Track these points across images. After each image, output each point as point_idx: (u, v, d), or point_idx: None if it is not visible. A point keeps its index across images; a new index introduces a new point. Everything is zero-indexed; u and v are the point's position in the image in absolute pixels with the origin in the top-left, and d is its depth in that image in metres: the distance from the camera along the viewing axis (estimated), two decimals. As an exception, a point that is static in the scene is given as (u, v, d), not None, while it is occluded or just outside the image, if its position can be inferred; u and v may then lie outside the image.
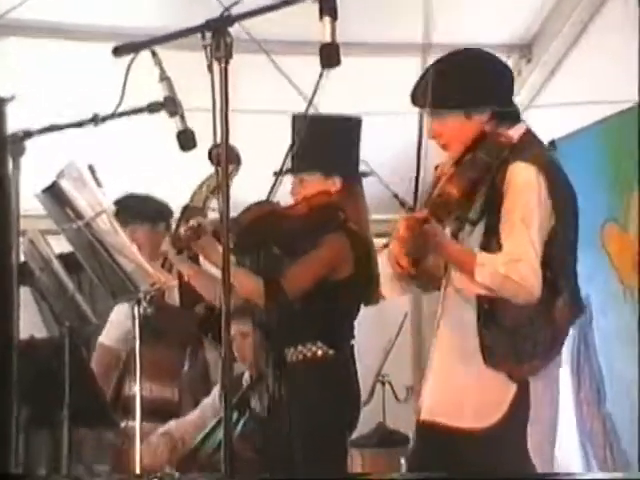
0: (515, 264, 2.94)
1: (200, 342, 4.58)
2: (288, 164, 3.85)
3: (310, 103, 3.61)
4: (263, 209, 3.79)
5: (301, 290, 3.72)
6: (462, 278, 3.08)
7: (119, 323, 4.44)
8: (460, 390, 3.08)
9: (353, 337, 3.91)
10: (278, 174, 3.79)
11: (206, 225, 3.70)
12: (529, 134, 3.19)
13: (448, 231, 3.10)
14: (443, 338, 3.19)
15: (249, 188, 3.66)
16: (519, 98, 5.59)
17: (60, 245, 3.66)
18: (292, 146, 3.85)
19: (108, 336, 4.58)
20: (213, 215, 3.78)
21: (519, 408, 3.01)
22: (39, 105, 4.33)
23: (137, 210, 4.57)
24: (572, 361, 5.24)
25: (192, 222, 3.72)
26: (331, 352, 3.79)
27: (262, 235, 3.80)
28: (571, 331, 5.06)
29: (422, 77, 3.21)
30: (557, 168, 3.13)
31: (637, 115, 4.68)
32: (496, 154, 3.04)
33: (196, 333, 4.45)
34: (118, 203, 4.38)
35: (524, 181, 3.01)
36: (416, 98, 3.20)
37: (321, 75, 3.25)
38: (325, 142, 3.84)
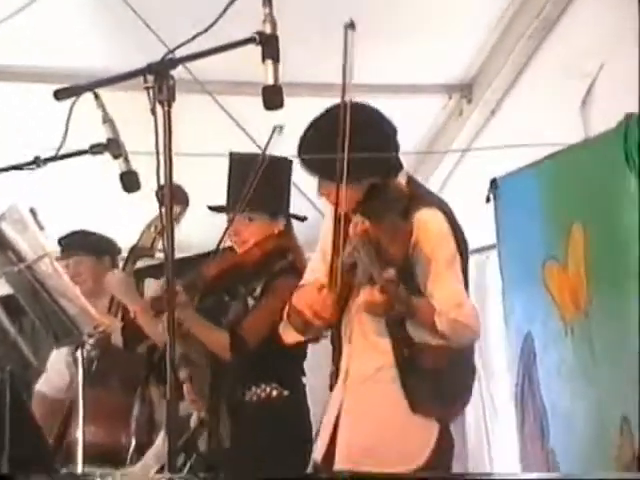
0: (461, 307, 2.99)
1: (146, 383, 4.54)
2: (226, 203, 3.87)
3: (264, 152, 3.63)
4: (227, 259, 3.79)
5: (260, 338, 3.75)
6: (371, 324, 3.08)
7: (59, 371, 4.39)
8: (383, 436, 3.09)
9: (304, 375, 3.94)
10: (231, 219, 3.79)
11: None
12: (414, 180, 3.26)
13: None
14: (353, 385, 3.19)
15: (194, 229, 3.66)
16: (460, 137, 5.69)
17: (0, 288, 3.62)
18: (233, 185, 3.85)
19: (47, 384, 4.52)
20: (160, 255, 3.77)
21: (443, 446, 3.04)
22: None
23: (82, 242, 4.55)
24: (516, 397, 5.28)
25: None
26: (285, 392, 3.81)
27: (225, 285, 3.82)
28: (516, 368, 5.19)
29: (302, 142, 3.23)
30: (449, 207, 3.20)
31: (575, 154, 4.76)
32: (399, 204, 3.06)
33: (141, 374, 4.41)
34: (63, 237, 4.35)
35: (436, 226, 3.07)
36: (304, 165, 3.22)
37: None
38: (269, 182, 3.83)
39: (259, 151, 3.90)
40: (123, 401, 4.50)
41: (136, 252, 3.80)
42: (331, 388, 3.27)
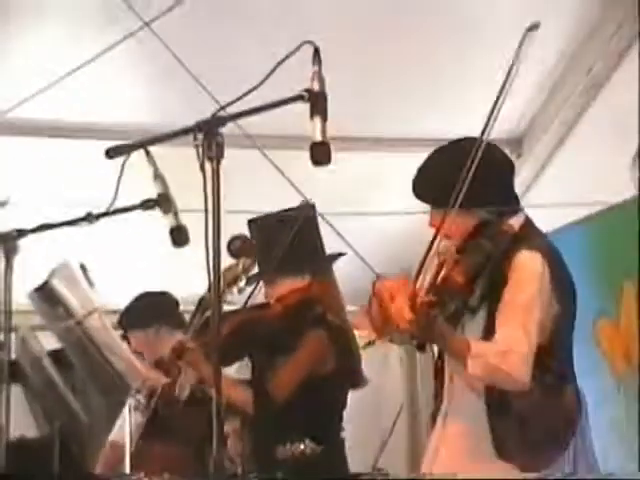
0: (505, 356, 2.93)
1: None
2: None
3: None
4: (239, 317, 3.80)
5: (288, 395, 3.73)
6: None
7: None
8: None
9: (342, 430, 3.89)
10: (241, 290, 3.82)
11: (186, 343, 3.72)
12: (529, 223, 3.21)
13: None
14: (451, 428, 3.15)
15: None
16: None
17: (51, 342, 3.65)
18: (257, 252, 3.87)
19: (117, 433, 4.54)
20: (228, 307, 3.79)
21: None
22: (34, 204, 4.36)
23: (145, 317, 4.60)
24: (568, 456, 5.20)
25: (173, 343, 3.74)
26: (319, 448, 3.77)
27: (242, 342, 3.81)
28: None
29: (420, 170, 3.22)
30: (558, 255, 3.15)
31: (625, 211, 4.73)
32: (499, 242, 3.05)
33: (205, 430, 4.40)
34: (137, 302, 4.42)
35: (530, 269, 3.02)
36: (416, 193, 3.22)
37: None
38: (282, 243, 3.82)
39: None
40: (187, 454, 4.49)
41: (204, 303, 3.81)
42: (432, 426, 3.23)
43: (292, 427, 3.78)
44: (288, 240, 3.82)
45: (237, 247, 3.83)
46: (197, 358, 3.71)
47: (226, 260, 2.95)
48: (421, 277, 3.00)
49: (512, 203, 3.22)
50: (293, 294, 3.86)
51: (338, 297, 3.97)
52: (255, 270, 3.92)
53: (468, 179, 3.04)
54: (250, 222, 3.94)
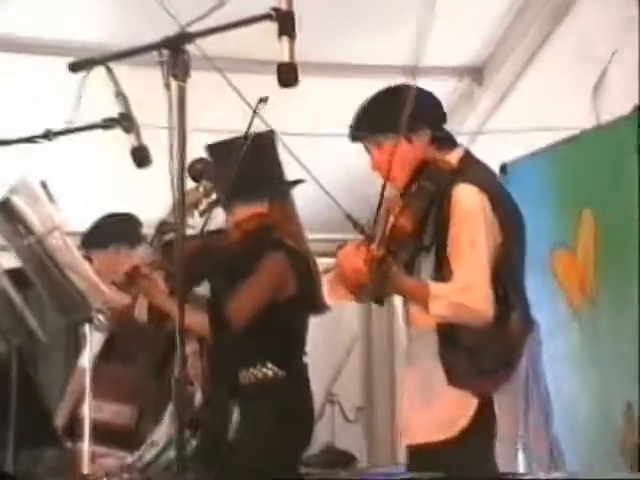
0: (467, 292, 2.99)
1: (167, 360, 4.52)
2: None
3: (246, 134, 3.61)
4: (195, 244, 3.76)
5: (246, 319, 3.70)
6: (417, 313, 3.11)
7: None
8: (426, 410, 3.11)
9: (304, 354, 3.89)
10: (202, 213, 3.80)
11: (140, 267, 3.68)
12: (468, 156, 3.23)
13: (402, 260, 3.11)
14: (412, 369, 3.22)
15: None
16: (470, 121, 5.66)
17: (8, 261, 3.61)
18: (215, 176, 3.84)
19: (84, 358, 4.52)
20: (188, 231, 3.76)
21: (482, 421, 3.03)
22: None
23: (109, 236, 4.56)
24: (521, 382, 5.27)
25: (125, 268, 3.69)
26: (282, 373, 3.77)
27: (200, 269, 3.78)
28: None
29: (356, 114, 3.25)
30: (499, 186, 3.19)
31: (586, 141, 4.74)
32: (439, 180, 3.08)
33: (163, 350, 4.39)
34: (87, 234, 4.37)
35: (468, 203, 3.05)
36: (354, 132, 3.24)
37: (257, 106, 3.26)
38: (239, 168, 3.75)
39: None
40: (138, 378, 4.48)
41: (163, 227, 3.77)
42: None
43: (253, 352, 3.77)
44: (246, 165, 3.77)
45: (198, 170, 3.79)
46: (150, 283, 3.67)
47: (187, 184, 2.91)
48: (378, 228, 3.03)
49: (450, 139, 3.25)
50: (251, 219, 3.83)
51: (297, 223, 3.95)
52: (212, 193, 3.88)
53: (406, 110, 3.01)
54: (209, 147, 3.89)
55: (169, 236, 3.72)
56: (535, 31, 5.20)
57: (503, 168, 5.21)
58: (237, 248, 3.82)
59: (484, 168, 3.23)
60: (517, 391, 3.18)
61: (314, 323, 4.00)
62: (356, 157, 3.36)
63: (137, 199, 4.10)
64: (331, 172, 4.09)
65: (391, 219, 3.04)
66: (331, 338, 5.68)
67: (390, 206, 3.09)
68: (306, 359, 3.90)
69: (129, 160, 2.94)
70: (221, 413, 3.85)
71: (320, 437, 5.40)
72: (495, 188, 3.13)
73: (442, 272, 3.06)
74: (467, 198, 3.05)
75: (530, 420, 5.21)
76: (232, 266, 3.83)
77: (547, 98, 5.15)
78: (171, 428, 4.33)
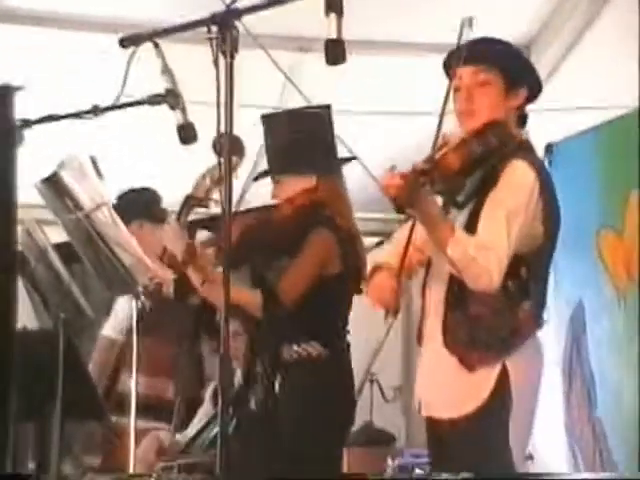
0: (485, 251, 2.95)
1: (196, 336, 4.55)
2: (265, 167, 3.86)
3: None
4: (247, 221, 3.77)
5: (297, 296, 3.71)
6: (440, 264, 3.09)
7: (123, 315, 4.42)
8: (441, 383, 3.13)
9: (347, 333, 3.90)
10: (255, 179, 3.78)
11: (197, 246, 3.68)
12: (529, 141, 3.24)
13: None
14: (428, 336, 3.21)
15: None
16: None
17: (56, 235, 3.63)
18: (265, 148, 3.84)
19: (112, 328, 4.56)
20: (215, 206, 3.76)
21: (498, 399, 3.02)
22: (39, 95, 4.29)
23: (138, 208, 4.57)
24: (564, 365, 5.25)
25: (185, 244, 3.68)
26: (325, 351, 3.77)
27: (252, 246, 3.78)
28: (564, 335, 5.15)
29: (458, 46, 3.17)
30: (550, 179, 3.17)
31: (633, 120, 4.68)
32: (505, 142, 3.06)
33: (191, 327, 4.42)
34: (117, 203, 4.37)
35: (521, 181, 3.04)
36: (451, 57, 3.18)
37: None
38: (294, 141, 3.79)
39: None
40: (173, 353, 4.52)
41: (190, 202, 3.77)
42: (418, 339, 3.29)
43: (297, 329, 3.77)
44: (299, 138, 3.77)
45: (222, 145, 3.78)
46: (207, 263, 3.67)
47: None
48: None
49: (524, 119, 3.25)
50: (301, 195, 3.82)
51: (346, 201, 3.94)
52: (241, 169, 3.86)
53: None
54: (263, 117, 3.88)
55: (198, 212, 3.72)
56: (582, 9, 5.14)
57: (549, 148, 5.18)
58: (287, 224, 3.81)
59: (541, 160, 3.25)
60: (538, 373, 3.15)
61: (355, 301, 4.00)
62: (400, 136, 3.34)
63: (180, 175, 4.11)
64: (375, 150, 4.10)
65: (445, 150, 3.01)
66: (371, 316, 5.66)
67: (449, 139, 3.06)
68: (349, 338, 3.90)
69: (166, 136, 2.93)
70: (263, 390, 3.86)
71: (359, 416, 5.42)
72: (549, 180, 3.14)
73: (472, 231, 3.03)
74: (522, 175, 3.04)
75: (572, 400, 5.19)
76: (282, 242, 3.82)
77: (594, 77, 5.09)
78: (210, 407, 4.37)
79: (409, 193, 2.89)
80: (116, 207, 4.57)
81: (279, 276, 3.74)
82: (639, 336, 4.60)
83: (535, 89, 3.25)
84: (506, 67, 3.13)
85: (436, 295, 3.15)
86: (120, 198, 4.58)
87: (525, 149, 3.14)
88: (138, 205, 4.60)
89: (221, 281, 3.60)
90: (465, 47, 3.09)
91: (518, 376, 3.04)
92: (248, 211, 3.93)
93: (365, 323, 5.24)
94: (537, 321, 3.13)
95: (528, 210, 3.02)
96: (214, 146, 2.74)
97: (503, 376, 3.03)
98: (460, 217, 3.11)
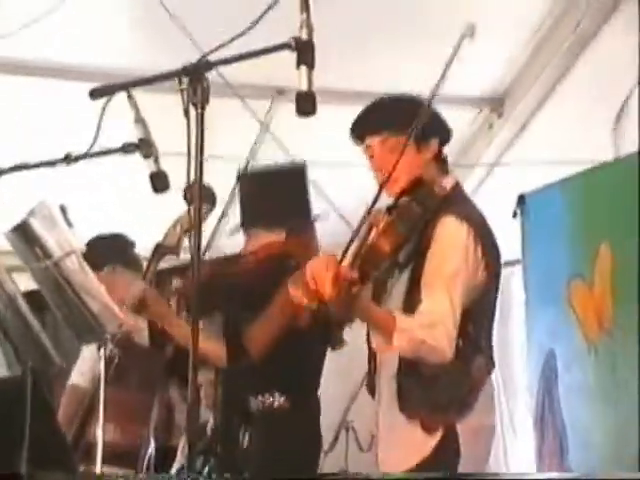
0: (432, 329, 2.92)
1: (167, 383, 4.53)
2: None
3: (248, 162, 3.63)
4: (212, 270, 3.77)
5: (264, 348, 3.70)
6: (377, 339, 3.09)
7: (90, 362, 4.39)
8: (395, 441, 3.11)
9: (317, 386, 3.89)
10: (230, 234, 3.81)
11: (151, 294, 3.68)
12: (459, 187, 3.19)
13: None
14: (381, 392, 3.19)
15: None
16: (489, 151, 5.67)
17: (26, 283, 3.62)
18: (239, 203, 3.87)
19: (80, 376, 4.52)
20: (185, 256, 3.77)
21: (443, 455, 3.01)
22: (11, 143, 4.32)
23: (112, 252, 4.55)
24: (536, 414, 5.25)
25: (135, 292, 3.68)
26: (290, 403, 3.76)
27: (218, 295, 3.79)
28: (536, 384, 5.16)
29: (362, 111, 3.20)
30: (487, 226, 3.12)
31: (604, 173, 4.74)
32: (429, 205, 3.02)
33: (163, 374, 4.40)
34: (90, 247, 4.36)
35: (454, 238, 3.00)
36: (359, 127, 3.17)
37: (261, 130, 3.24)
38: (265, 196, 3.81)
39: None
40: (143, 401, 4.49)
41: (161, 251, 3.77)
42: (369, 391, 3.25)
43: (265, 379, 3.76)
44: (271, 194, 3.80)
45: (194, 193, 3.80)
46: (164, 310, 3.67)
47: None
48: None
49: (446, 162, 3.21)
50: (268, 247, 3.84)
51: (315, 251, 3.94)
52: (208, 217, 3.87)
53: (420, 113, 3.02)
54: (240, 176, 3.92)
55: (167, 261, 3.72)
56: (555, 63, 5.21)
57: (521, 199, 5.22)
58: (254, 275, 3.82)
59: (472, 204, 3.18)
60: (489, 431, 3.14)
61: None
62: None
63: (152, 223, 4.11)
64: (349, 200, 4.12)
65: (372, 235, 3.00)
66: (347, 365, 5.66)
67: (374, 221, 3.03)
68: (319, 391, 3.90)
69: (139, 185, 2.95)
70: (231, 440, 3.85)
71: (334, 463, 5.40)
72: (482, 227, 3.08)
73: (413, 298, 3.01)
74: (454, 232, 3.00)
75: (544, 449, 5.19)
76: (248, 293, 3.83)
77: (567, 130, 5.16)
78: (182, 458, 4.34)
79: (344, 306, 2.87)
80: (89, 252, 4.57)
81: (246, 327, 3.74)
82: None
83: (445, 134, 3.20)
84: (411, 126, 3.02)
85: (386, 355, 3.13)
86: (93, 243, 4.56)
87: (451, 202, 3.07)
88: (111, 250, 4.58)
89: (182, 326, 3.63)
90: (366, 115, 3.14)
91: (467, 435, 3.03)
92: (216, 260, 3.94)
93: (341, 370, 5.26)
94: (490, 368, 3.12)
95: (468, 265, 2.99)
96: (185, 194, 2.77)
97: (449, 435, 3.02)
98: (401, 282, 3.08)
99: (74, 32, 4.60)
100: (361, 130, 3.15)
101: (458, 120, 5.59)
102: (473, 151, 5.75)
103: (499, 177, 5.65)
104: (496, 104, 5.59)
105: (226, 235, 4.07)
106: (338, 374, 4.10)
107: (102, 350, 3.47)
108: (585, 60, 5.04)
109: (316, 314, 2.97)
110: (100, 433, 3.51)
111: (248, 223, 3.87)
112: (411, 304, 3.01)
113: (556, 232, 5.02)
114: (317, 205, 4.01)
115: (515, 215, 5.21)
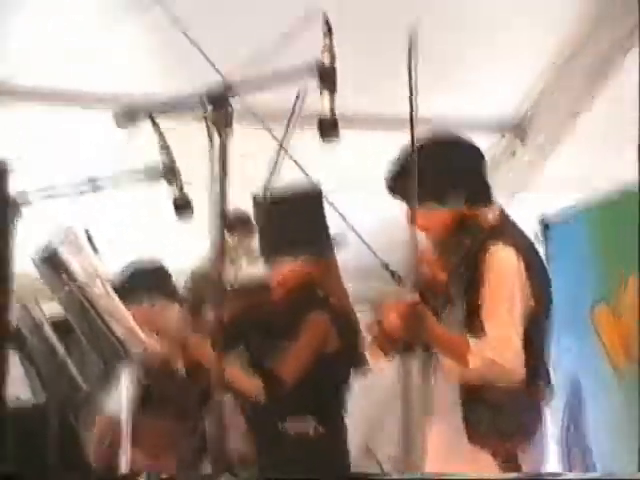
0: (501, 350, 3.00)
1: (201, 413, 4.52)
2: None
3: (267, 185, 3.65)
4: (241, 302, 3.80)
5: (296, 378, 3.74)
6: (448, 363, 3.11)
7: (126, 393, 4.40)
8: (450, 465, 3.14)
9: (345, 411, 3.90)
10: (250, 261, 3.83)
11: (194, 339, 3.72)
12: (504, 215, 3.26)
13: None
14: (438, 421, 3.22)
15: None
16: (512, 177, 5.66)
17: (52, 309, 3.64)
18: (257, 230, 3.90)
19: (114, 406, 4.52)
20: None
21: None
22: (38, 170, 4.34)
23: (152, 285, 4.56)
24: (561, 442, 5.21)
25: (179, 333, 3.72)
26: (321, 428, 3.77)
27: (246, 327, 3.81)
28: (561, 413, 5.12)
29: (393, 168, 3.27)
30: (534, 250, 3.23)
31: (630, 199, 4.71)
32: (476, 235, 3.11)
33: (197, 403, 4.40)
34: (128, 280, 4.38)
35: (505, 263, 3.07)
36: (391, 189, 3.27)
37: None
38: (286, 224, 3.84)
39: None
40: (177, 430, 4.48)
41: (195, 279, 3.79)
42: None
43: (295, 405, 3.79)
44: (291, 221, 3.83)
45: (230, 222, 3.82)
46: (203, 350, 3.68)
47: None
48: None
49: (487, 194, 3.26)
50: (294, 277, 3.85)
51: (339, 279, 3.97)
52: (248, 246, 3.91)
53: (440, 177, 3.14)
54: (254, 199, 3.93)
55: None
56: (578, 87, 5.20)
57: (545, 224, 5.21)
58: (281, 306, 3.85)
59: (519, 230, 3.26)
60: (541, 461, 3.15)
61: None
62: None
63: (176, 250, 4.13)
64: (368, 224, 4.13)
65: (425, 268, 3.05)
66: (370, 388, 5.64)
67: (423, 256, 3.11)
68: (346, 416, 3.90)
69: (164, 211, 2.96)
70: (260, 466, 3.85)
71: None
72: (530, 252, 3.17)
73: (470, 328, 3.07)
74: (504, 259, 3.07)
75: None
76: (277, 325, 3.86)
77: (590, 156, 5.14)
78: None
79: (413, 331, 2.96)
80: (129, 283, 4.57)
81: (278, 360, 3.77)
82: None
83: (469, 175, 3.24)
84: (437, 193, 3.14)
85: (447, 390, 3.16)
86: (133, 274, 4.57)
87: (498, 231, 3.15)
88: (152, 282, 4.59)
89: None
90: (393, 185, 3.21)
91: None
92: (244, 289, 3.94)
93: (363, 397, 5.24)
94: (549, 392, 3.16)
95: (522, 290, 3.06)
96: (226, 224, 2.78)
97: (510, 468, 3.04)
98: (455, 314, 3.13)
99: (101, 60, 4.64)
100: (394, 195, 3.25)
101: (481, 145, 5.62)
102: (497, 176, 5.73)
103: (522, 202, 5.62)
104: (518, 130, 5.58)
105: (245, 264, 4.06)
106: (359, 398, 4.10)
107: (129, 372, 3.47)
108: (608, 86, 5.03)
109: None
110: (126, 461, 3.50)
111: (271, 252, 3.88)
112: (470, 334, 3.07)
113: (579, 257, 5.01)
114: (335, 227, 4.04)
115: (538, 240, 5.20)
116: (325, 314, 3.81)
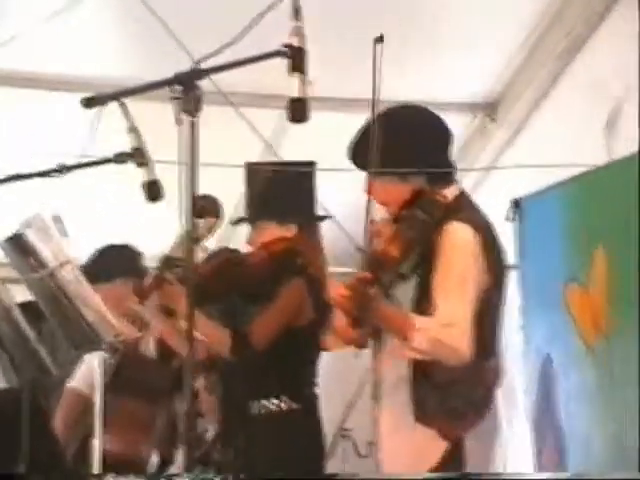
0: (449, 329, 2.96)
1: (172, 396, 4.52)
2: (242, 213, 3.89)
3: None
4: (222, 259, 3.79)
5: (267, 340, 3.70)
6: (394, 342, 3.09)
7: (92, 369, 4.38)
8: (396, 445, 3.11)
9: (316, 385, 3.89)
10: (234, 223, 3.81)
11: (167, 276, 3.69)
12: (463, 195, 3.24)
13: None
14: (384, 396, 3.19)
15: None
16: (483, 156, 5.68)
17: (21, 294, 3.62)
18: (246, 195, 3.88)
19: (82, 381, 4.50)
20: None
21: (450, 464, 3.01)
22: (4, 154, 4.32)
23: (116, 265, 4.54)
24: (534, 418, 5.25)
25: (152, 272, 3.70)
26: (295, 406, 3.77)
27: (223, 285, 3.79)
28: (533, 388, 5.16)
29: (357, 137, 3.24)
30: (492, 230, 3.17)
31: (599, 177, 4.74)
32: (433, 213, 3.08)
33: (168, 385, 4.39)
34: (94, 261, 4.35)
35: (461, 241, 3.04)
36: (353, 158, 3.24)
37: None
38: (278, 190, 3.85)
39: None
40: (147, 411, 4.48)
41: (169, 262, 3.77)
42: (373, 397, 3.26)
43: (269, 381, 3.77)
44: (283, 188, 3.83)
45: (201, 207, 3.80)
46: (177, 291, 3.65)
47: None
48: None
49: (449, 174, 3.24)
50: (279, 242, 3.85)
51: (321, 252, 3.97)
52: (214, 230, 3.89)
53: (404, 151, 3.11)
54: (247, 165, 3.93)
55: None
56: (549, 67, 5.22)
57: (516, 203, 5.22)
58: (261, 269, 3.82)
59: (478, 210, 3.22)
60: (492, 437, 3.14)
61: (327, 356, 4.00)
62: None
63: (146, 233, 4.12)
64: (342, 207, 4.13)
65: (378, 243, 3.03)
66: (345, 371, 5.66)
67: (378, 230, 3.09)
68: (318, 390, 3.90)
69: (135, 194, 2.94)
70: (231, 445, 3.85)
71: (331, 471, 5.39)
72: (489, 232, 3.14)
73: (422, 304, 3.05)
74: (460, 236, 3.04)
75: (543, 454, 5.18)
76: (255, 286, 3.83)
77: (560, 134, 5.16)
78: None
79: (360, 306, 2.93)
80: (99, 261, 4.55)
81: (251, 320, 3.74)
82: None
83: (433, 152, 3.21)
84: (396, 161, 3.12)
85: (394, 367, 3.13)
86: (103, 253, 4.55)
87: (456, 209, 3.12)
88: (122, 261, 4.57)
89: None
90: (354, 154, 3.20)
91: (471, 443, 3.05)
92: (225, 250, 3.94)
93: (338, 377, 5.26)
94: (500, 373, 3.14)
95: (476, 268, 3.04)
96: (193, 207, 2.78)
97: (455, 444, 3.04)
98: (407, 290, 3.10)
99: (65, 42, 4.60)
100: (356, 165, 3.22)
101: (452, 125, 5.62)
102: (468, 156, 5.76)
103: (493, 182, 5.65)
104: (490, 109, 5.60)
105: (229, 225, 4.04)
106: (334, 381, 4.10)
107: (98, 359, 3.46)
108: (578, 64, 5.05)
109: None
110: (97, 442, 3.50)
111: (258, 215, 3.88)
112: (421, 310, 3.05)
113: (551, 236, 5.03)
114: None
115: (509, 219, 5.22)
116: (303, 282, 3.80)
